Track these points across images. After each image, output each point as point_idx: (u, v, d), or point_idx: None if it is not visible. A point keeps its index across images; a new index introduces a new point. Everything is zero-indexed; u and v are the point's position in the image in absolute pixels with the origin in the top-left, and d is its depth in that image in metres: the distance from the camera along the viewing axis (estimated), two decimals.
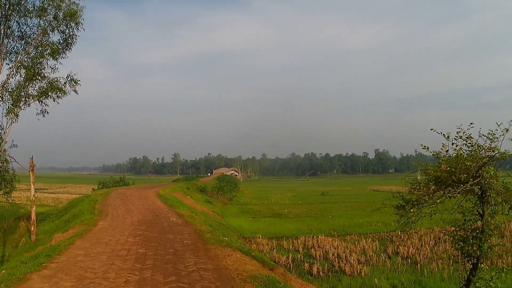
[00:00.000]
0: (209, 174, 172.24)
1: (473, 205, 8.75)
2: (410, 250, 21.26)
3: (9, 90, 20.38)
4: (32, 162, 19.82)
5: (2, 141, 19.76)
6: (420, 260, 19.38)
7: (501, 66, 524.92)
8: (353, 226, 30.31)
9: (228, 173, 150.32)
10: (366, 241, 23.37)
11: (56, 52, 21.44)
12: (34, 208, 19.78)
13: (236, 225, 30.27)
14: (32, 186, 19.98)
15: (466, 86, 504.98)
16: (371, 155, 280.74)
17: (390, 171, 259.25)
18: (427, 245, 22.40)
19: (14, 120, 20.35)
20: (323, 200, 57.94)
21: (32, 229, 19.22)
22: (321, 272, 17.32)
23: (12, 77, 20.55)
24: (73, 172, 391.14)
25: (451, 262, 18.56)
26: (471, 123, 8.59)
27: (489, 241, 8.68)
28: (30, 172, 19.85)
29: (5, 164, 21.72)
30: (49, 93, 21.21)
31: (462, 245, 8.90)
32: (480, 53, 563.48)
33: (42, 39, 21.12)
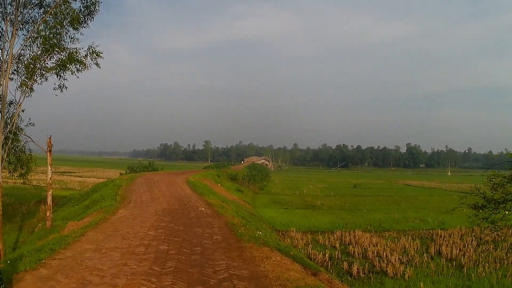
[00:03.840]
0: (242, 161, 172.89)
1: None
2: (453, 251, 20.25)
3: (24, 62, 19.18)
4: (50, 142, 18.66)
5: (14, 116, 18.58)
6: (465, 262, 18.47)
7: None
8: (389, 221, 29.91)
9: (259, 162, 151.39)
10: (406, 239, 22.55)
11: (77, 21, 20.05)
12: (50, 192, 18.65)
13: (268, 217, 29.86)
14: (49, 168, 18.83)
15: (502, 84, 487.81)
16: (403, 149, 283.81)
17: (421, 166, 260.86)
18: (470, 246, 21.47)
19: (27, 94, 19.22)
20: (355, 193, 58.02)
21: (48, 214, 18.09)
22: (361, 273, 16.24)
23: (27, 49, 19.39)
24: (103, 157, 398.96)
25: (497, 266, 17.97)
26: None
27: None
28: (47, 153, 18.69)
29: (18, 143, 20.64)
30: (68, 66, 19.89)
31: None
32: None
33: (62, 7, 19.81)
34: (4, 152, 18.98)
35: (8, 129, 17.91)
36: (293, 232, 23.72)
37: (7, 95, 17.56)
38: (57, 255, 9.01)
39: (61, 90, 20.16)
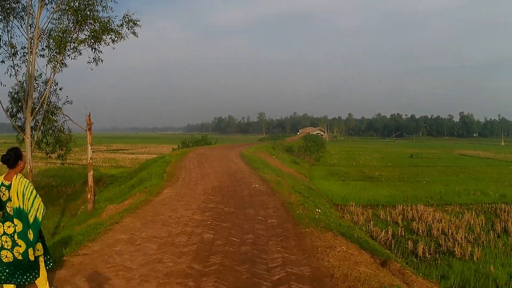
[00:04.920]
0: (297, 133, 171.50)
1: None
2: None
3: (54, 35, 18.13)
4: (90, 120, 17.68)
5: (46, 93, 17.65)
6: None
7: None
8: (450, 194, 27.85)
9: (314, 133, 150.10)
10: (470, 214, 20.58)
11: None
12: (91, 173, 17.71)
13: (325, 190, 28.51)
14: (89, 148, 17.86)
15: None
16: (456, 118, 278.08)
17: (474, 135, 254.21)
18: None
19: (59, 70, 18.24)
20: (412, 163, 55.99)
21: (89, 196, 17.18)
22: (427, 253, 14.51)
23: (57, 22, 18.34)
24: (157, 133, 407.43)
25: None
26: None
27: None
28: (87, 131, 17.72)
29: (56, 123, 19.80)
30: (102, 37, 18.71)
31: None
32: None
33: None
34: (39, 132, 18.23)
35: (37, 109, 16.98)
36: (352, 206, 22.35)
37: (34, 73, 16.56)
38: (82, 249, 7.74)
39: (96, 64, 19.13)
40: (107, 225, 9.69)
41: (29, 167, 15.07)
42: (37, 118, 18.60)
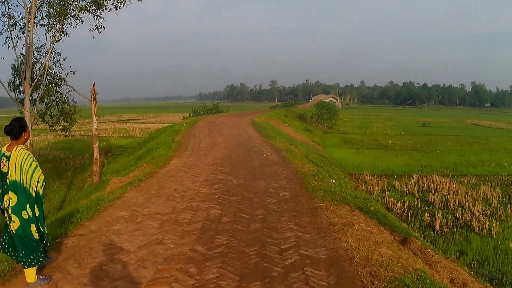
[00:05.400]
0: (310, 100, 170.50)
1: None
2: None
3: (53, 3, 17.31)
4: (94, 90, 17.02)
5: (46, 62, 16.91)
6: None
7: None
8: (465, 165, 27.34)
9: (326, 100, 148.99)
10: (486, 186, 19.80)
11: None
12: (96, 144, 17.16)
13: (339, 158, 28.28)
14: (94, 118, 17.25)
15: None
16: (468, 88, 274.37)
17: (486, 105, 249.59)
18: None
19: (58, 39, 17.47)
20: (425, 132, 55.20)
21: (95, 169, 16.66)
22: (444, 227, 13.99)
23: None
24: (169, 102, 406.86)
25: None
26: None
27: None
28: (92, 102, 17.08)
29: (60, 94, 19.11)
30: (104, 2, 17.87)
31: None
32: None
33: None
34: (42, 104, 17.64)
35: (35, 80, 16.28)
36: (367, 176, 21.84)
37: (32, 43, 15.84)
38: (78, 229, 7.16)
39: (99, 31, 18.35)
40: (108, 200, 9.13)
41: (28, 141, 14.47)
42: (40, 90, 17.99)
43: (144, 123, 67.31)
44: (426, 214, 15.15)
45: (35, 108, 17.79)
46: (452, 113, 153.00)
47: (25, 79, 16.27)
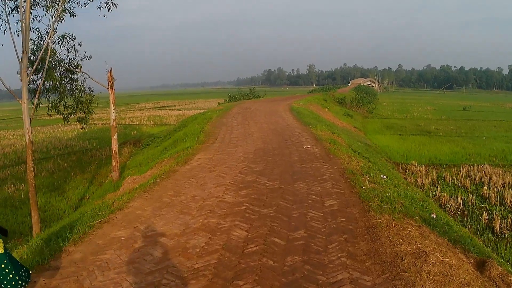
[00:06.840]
0: (348, 84, 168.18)
1: None
2: None
3: None
4: (111, 76, 15.35)
5: (48, 46, 15.14)
6: None
7: None
8: None
9: (365, 84, 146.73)
10: None
11: None
12: (115, 137, 15.48)
13: (382, 145, 26.58)
14: (112, 108, 15.53)
15: None
16: (505, 71, 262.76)
17: None
18: None
19: (59, 20, 15.70)
20: (467, 116, 52.43)
21: (114, 164, 15.00)
22: (504, 228, 12.22)
23: None
24: (206, 88, 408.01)
25: None
26: None
27: None
28: (109, 89, 15.42)
29: (77, 82, 17.44)
30: None
31: None
32: None
33: None
34: (56, 93, 16.05)
35: (34, 67, 14.48)
36: (414, 166, 20.19)
37: (29, 24, 14.02)
38: (57, 259, 5.37)
39: (109, 9, 16.49)
40: (108, 211, 7.35)
41: (27, 137, 12.86)
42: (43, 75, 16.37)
43: (180, 110, 66.25)
44: (484, 213, 13.35)
45: (47, 99, 16.23)
46: (491, 97, 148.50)
47: (21, 66, 14.55)
